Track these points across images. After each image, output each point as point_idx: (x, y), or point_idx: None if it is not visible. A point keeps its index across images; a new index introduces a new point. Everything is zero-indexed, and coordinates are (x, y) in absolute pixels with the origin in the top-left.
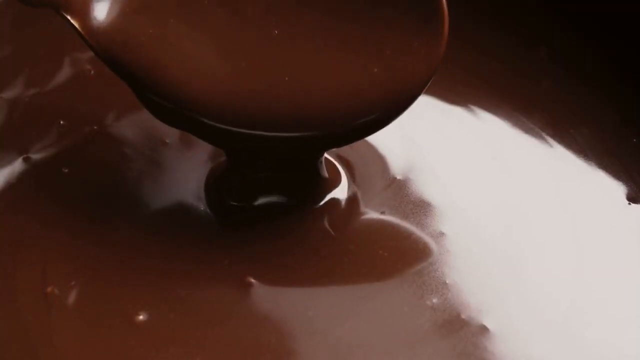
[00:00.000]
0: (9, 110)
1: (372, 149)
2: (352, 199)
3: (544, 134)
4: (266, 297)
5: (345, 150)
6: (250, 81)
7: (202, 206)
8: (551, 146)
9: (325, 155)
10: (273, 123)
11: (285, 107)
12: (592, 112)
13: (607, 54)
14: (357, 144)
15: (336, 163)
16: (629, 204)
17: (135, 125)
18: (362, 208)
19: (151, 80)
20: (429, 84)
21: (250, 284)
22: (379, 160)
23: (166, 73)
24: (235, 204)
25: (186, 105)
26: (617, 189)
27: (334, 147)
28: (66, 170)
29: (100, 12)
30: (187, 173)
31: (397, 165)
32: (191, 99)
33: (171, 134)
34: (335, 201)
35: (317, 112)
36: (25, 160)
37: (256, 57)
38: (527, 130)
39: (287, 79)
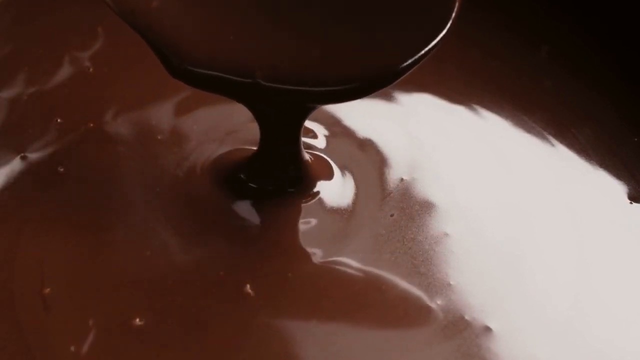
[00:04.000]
0: (9, 109)
1: (377, 148)
2: (360, 203)
3: (545, 134)
4: (266, 304)
5: (351, 150)
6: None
7: (197, 207)
8: (553, 145)
9: (332, 157)
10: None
11: (289, 66)
12: (593, 112)
13: (609, 53)
14: (363, 144)
15: (347, 165)
16: (631, 203)
17: (130, 122)
18: (371, 211)
19: (158, 38)
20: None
21: (249, 294)
22: (385, 161)
23: (171, 34)
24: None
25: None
26: (618, 188)
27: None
28: (62, 170)
29: None
30: (181, 172)
31: (402, 165)
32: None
33: (164, 130)
34: (341, 205)
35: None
36: (23, 159)
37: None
38: (529, 129)
39: (291, 38)
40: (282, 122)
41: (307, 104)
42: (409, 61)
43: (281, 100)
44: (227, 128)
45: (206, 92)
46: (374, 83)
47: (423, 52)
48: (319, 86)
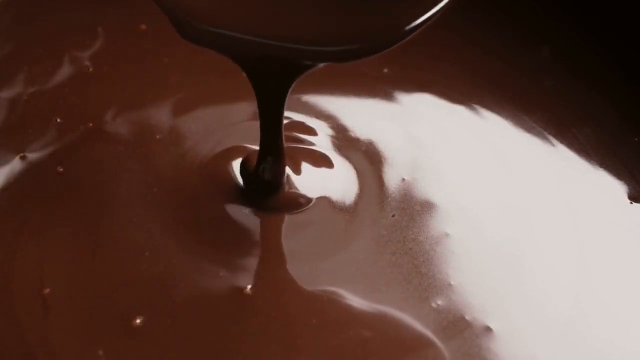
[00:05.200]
0: (8, 109)
1: (378, 148)
2: (362, 203)
3: (546, 133)
4: (266, 305)
5: (352, 150)
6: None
7: (195, 207)
8: (553, 145)
9: (334, 157)
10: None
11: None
12: (594, 112)
13: (609, 53)
14: (363, 144)
15: (349, 165)
16: (631, 203)
17: (130, 122)
18: (373, 212)
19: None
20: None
21: (248, 294)
22: (386, 161)
23: None
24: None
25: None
26: (618, 188)
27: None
28: (61, 169)
29: None
30: (179, 171)
31: (403, 165)
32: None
33: (163, 130)
34: (342, 205)
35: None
36: (22, 159)
37: None
38: (529, 129)
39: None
40: (273, 81)
41: (301, 63)
42: (414, 23)
43: (284, 57)
44: (225, 127)
45: (205, 93)
46: (377, 44)
47: (431, 13)
48: (319, 46)
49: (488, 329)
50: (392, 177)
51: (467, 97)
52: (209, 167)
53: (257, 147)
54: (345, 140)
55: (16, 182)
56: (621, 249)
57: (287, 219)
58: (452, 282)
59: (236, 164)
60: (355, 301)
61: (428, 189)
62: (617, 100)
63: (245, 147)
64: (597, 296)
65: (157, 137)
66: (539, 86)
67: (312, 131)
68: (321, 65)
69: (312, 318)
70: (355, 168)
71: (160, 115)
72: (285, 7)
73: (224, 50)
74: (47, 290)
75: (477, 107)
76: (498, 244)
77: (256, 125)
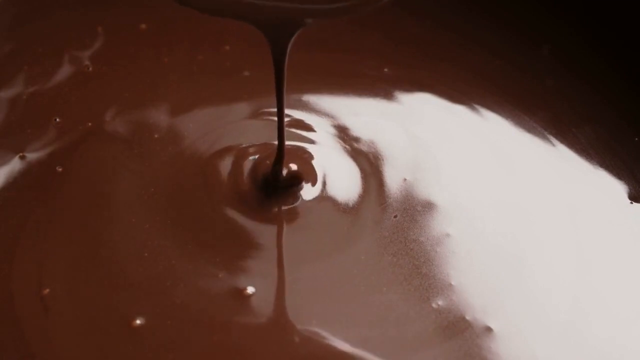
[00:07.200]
0: (8, 109)
1: (379, 148)
2: (364, 204)
3: (546, 133)
4: (266, 306)
5: (353, 150)
6: None
7: (194, 207)
8: (553, 145)
9: (335, 157)
10: None
11: None
12: (594, 111)
13: (610, 53)
14: (364, 144)
15: (349, 165)
16: (631, 202)
17: (129, 121)
18: (375, 213)
19: None
20: None
21: (248, 295)
22: (387, 161)
23: None
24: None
25: None
26: (619, 188)
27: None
28: (60, 169)
29: None
30: (177, 171)
31: (404, 165)
32: None
33: (161, 129)
34: (344, 206)
35: None
36: (22, 158)
37: None
38: (529, 129)
39: None
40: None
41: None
42: None
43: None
44: (223, 126)
45: (204, 92)
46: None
47: None
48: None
49: (488, 329)
50: (394, 178)
51: (467, 97)
52: (207, 166)
53: (253, 145)
54: (345, 140)
55: (15, 182)
56: (621, 249)
57: (288, 219)
58: (452, 283)
59: (233, 163)
60: (356, 302)
61: (429, 189)
62: (617, 100)
63: (243, 147)
64: (597, 296)
65: (156, 136)
66: (540, 86)
67: (312, 130)
68: (309, 21)
69: (312, 319)
70: (356, 168)
71: (159, 115)
72: None
73: (212, 13)
74: (46, 291)
75: (478, 106)
76: (499, 244)
77: (254, 124)
